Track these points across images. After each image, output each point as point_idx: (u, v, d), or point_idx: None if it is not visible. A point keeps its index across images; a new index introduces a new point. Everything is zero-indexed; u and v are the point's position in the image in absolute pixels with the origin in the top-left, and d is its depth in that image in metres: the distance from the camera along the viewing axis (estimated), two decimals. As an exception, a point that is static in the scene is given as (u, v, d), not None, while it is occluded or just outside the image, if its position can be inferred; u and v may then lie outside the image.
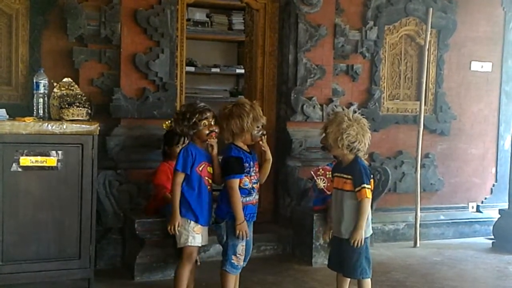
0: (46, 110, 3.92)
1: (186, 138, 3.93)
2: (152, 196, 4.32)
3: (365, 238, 3.47)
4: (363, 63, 5.48)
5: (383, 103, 5.63)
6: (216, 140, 3.59)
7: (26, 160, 3.64)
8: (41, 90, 3.90)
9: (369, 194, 3.44)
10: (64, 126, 3.74)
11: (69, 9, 4.36)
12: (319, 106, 5.14)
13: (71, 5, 4.37)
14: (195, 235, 3.54)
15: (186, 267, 3.57)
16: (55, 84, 4.02)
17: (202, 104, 3.64)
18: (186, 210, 3.52)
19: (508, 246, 5.32)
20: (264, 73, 5.26)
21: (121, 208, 4.42)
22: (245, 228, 3.46)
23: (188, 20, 6.81)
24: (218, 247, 3.87)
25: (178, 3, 4.79)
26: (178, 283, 3.57)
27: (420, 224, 5.44)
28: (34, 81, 3.93)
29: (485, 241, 5.70)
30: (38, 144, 3.68)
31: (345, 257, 3.50)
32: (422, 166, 5.63)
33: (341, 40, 5.27)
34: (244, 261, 3.59)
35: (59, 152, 3.72)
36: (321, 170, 4.65)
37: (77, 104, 3.89)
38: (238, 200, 3.45)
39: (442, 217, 5.83)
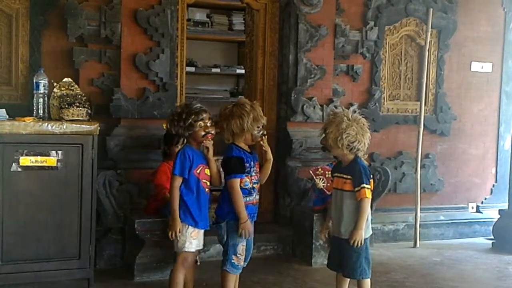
0: (46, 110, 3.92)
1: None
2: (152, 196, 4.32)
3: (365, 239, 3.47)
4: (363, 64, 5.48)
5: (383, 104, 5.62)
6: (212, 142, 3.54)
7: (26, 160, 3.65)
8: (41, 90, 3.91)
9: (368, 194, 3.43)
10: (64, 126, 3.74)
11: (69, 9, 4.37)
12: (319, 106, 5.13)
13: (71, 5, 4.38)
14: (192, 241, 3.52)
15: (180, 271, 3.54)
16: (55, 84, 4.02)
17: (198, 104, 3.58)
18: (184, 214, 3.49)
19: (508, 247, 5.31)
20: (264, 73, 5.26)
21: (121, 208, 4.41)
22: (248, 227, 3.46)
23: (189, 20, 6.80)
24: (218, 247, 3.87)
25: (179, 3, 4.79)
26: (173, 286, 3.54)
27: (420, 225, 5.44)
28: (34, 81, 3.93)
29: (485, 242, 5.70)
30: (38, 144, 3.68)
31: (344, 257, 3.50)
32: (422, 166, 5.63)
33: (341, 40, 5.27)
34: (244, 261, 3.59)
35: (59, 152, 3.72)
36: (320, 169, 4.64)
37: (77, 104, 3.89)
38: (240, 200, 3.44)
39: (442, 218, 5.83)
